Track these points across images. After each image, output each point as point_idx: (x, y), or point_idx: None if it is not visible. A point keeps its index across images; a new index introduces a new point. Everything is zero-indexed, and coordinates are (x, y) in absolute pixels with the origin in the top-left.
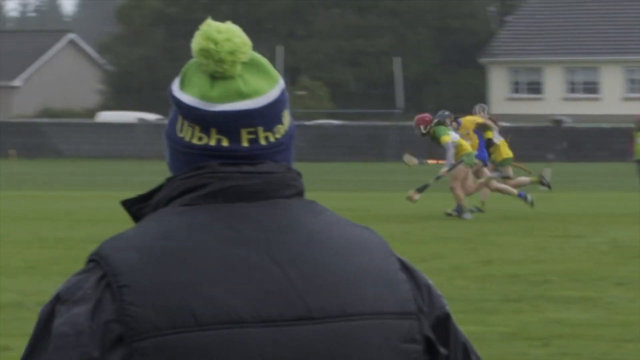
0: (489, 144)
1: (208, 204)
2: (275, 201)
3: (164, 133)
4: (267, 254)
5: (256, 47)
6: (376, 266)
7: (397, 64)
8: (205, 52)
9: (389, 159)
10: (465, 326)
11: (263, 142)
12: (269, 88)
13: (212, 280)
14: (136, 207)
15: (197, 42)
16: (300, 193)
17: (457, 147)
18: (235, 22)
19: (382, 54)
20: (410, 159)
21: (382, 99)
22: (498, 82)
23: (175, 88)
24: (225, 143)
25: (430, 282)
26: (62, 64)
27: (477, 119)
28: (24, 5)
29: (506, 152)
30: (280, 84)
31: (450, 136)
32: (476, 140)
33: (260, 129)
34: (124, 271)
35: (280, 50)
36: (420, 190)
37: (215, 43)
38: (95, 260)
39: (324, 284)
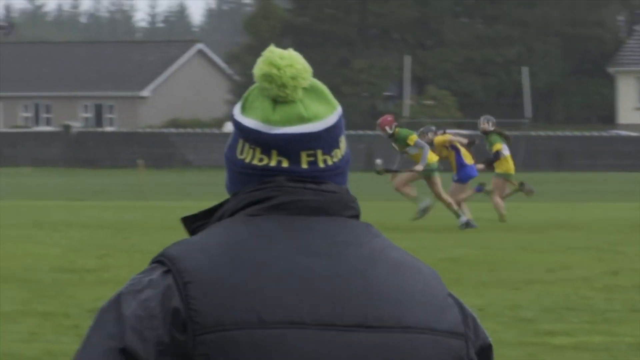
0: (496, 156)
1: (273, 215)
2: (336, 218)
3: (224, 155)
4: (330, 264)
5: (384, 57)
6: (429, 289)
7: (525, 73)
8: (268, 77)
9: (518, 169)
10: (592, 337)
11: (321, 164)
12: (327, 113)
13: (276, 284)
14: (197, 224)
15: (260, 67)
16: (357, 216)
17: (417, 155)
18: (363, 32)
19: (510, 63)
20: (380, 167)
21: (510, 109)
22: (626, 92)
23: (237, 112)
24: (285, 164)
25: (475, 314)
26: (191, 74)
27: (447, 137)
28: (153, 16)
29: (510, 167)
30: (338, 110)
31: (416, 136)
32: (453, 158)
33: (319, 152)
34: (189, 269)
35: (407, 60)
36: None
37: (278, 68)
38: (160, 260)
39: (382, 296)
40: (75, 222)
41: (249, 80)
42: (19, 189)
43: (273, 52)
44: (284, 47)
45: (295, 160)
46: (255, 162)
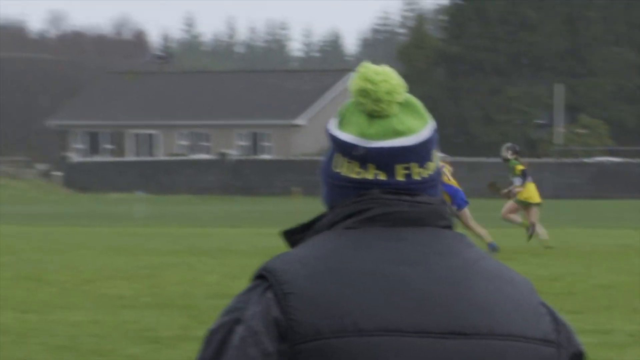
0: (524, 173)
1: (369, 227)
2: (430, 229)
3: (320, 170)
4: (425, 274)
5: (535, 86)
6: (521, 297)
7: None
8: (364, 92)
9: None
10: None
11: (417, 177)
12: (421, 127)
13: (372, 293)
14: (296, 237)
15: (355, 83)
16: (451, 226)
17: None
18: (515, 61)
19: None
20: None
21: None
22: None
23: (333, 127)
24: (382, 177)
25: (568, 322)
26: (344, 103)
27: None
28: (308, 45)
29: (530, 195)
30: (431, 124)
31: None
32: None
33: (414, 165)
34: (290, 280)
35: (559, 88)
36: None
37: (373, 84)
38: (263, 275)
39: (476, 304)
40: (232, 249)
41: None
42: (177, 216)
43: (368, 68)
44: (438, 76)
45: (391, 173)
46: (353, 175)
